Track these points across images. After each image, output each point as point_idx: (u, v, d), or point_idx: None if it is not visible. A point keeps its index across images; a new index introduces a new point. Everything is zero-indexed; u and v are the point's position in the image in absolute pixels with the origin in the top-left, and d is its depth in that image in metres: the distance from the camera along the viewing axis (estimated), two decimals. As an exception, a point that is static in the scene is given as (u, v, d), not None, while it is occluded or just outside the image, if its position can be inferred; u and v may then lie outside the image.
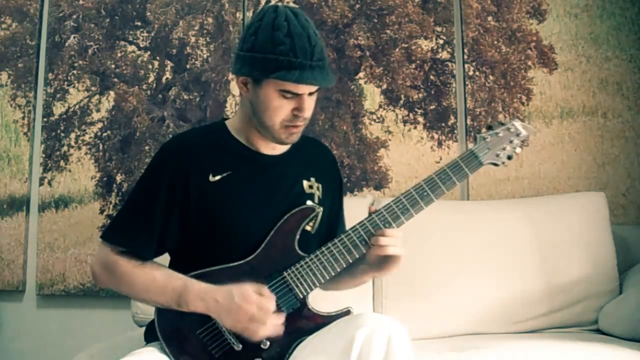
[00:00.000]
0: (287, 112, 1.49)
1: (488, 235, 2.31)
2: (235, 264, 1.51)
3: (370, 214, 1.56)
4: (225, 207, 1.53)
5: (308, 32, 1.44)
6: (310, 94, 1.50)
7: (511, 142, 1.62)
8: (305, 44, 1.43)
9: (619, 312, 2.11)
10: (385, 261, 1.55)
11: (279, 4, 1.49)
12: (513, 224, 2.33)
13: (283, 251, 1.52)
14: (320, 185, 1.64)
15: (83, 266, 2.70)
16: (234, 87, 2.73)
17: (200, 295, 1.45)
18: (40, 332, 2.73)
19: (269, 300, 1.44)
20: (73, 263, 2.70)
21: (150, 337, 1.56)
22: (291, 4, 2.77)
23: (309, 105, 1.50)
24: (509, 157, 1.62)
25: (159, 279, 1.49)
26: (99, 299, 2.70)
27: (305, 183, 1.62)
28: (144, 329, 1.64)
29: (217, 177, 1.54)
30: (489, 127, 1.64)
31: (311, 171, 1.64)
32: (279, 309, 1.47)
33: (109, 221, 2.68)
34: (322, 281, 1.51)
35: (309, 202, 1.59)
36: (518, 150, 1.63)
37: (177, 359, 1.47)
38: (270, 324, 1.43)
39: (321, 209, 1.60)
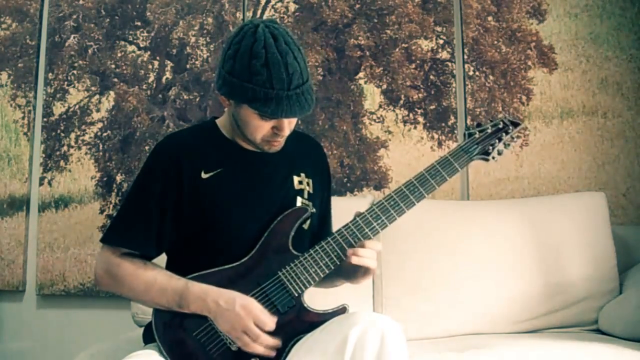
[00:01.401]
0: (267, 130, 1.52)
1: (488, 235, 2.31)
2: (231, 265, 1.52)
3: (371, 207, 1.57)
4: (217, 203, 1.55)
5: (286, 59, 1.42)
6: None
7: (500, 138, 1.66)
8: (283, 74, 1.42)
9: (619, 312, 2.11)
10: (356, 270, 1.57)
11: (261, 22, 1.46)
12: (513, 224, 2.33)
13: (277, 251, 1.54)
14: (310, 180, 1.66)
15: (83, 266, 2.70)
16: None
17: (201, 295, 1.47)
18: (40, 332, 2.73)
19: (268, 319, 1.45)
20: (73, 263, 2.70)
21: (148, 338, 1.57)
22: (291, 4, 2.78)
23: (289, 125, 1.53)
24: (499, 153, 1.66)
25: (160, 280, 1.50)
26: (99, 299, 2.70)
27: (295, 179, 1.64)
28: (143, 329, 1.64)
29: (209, 174, 1.56)
30: (478, 125, 1.68)
31: (301, 167, 1.66)
32: (274, 307, 1.49)
33: (109, 221, 2.69)
34: (317, 279, 1.52)
35: (301, 202, 1.61)
36: (509, 145, 1.67)
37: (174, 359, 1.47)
38: (263, 342, 1.44)
39: (314, 210, 1.61)
